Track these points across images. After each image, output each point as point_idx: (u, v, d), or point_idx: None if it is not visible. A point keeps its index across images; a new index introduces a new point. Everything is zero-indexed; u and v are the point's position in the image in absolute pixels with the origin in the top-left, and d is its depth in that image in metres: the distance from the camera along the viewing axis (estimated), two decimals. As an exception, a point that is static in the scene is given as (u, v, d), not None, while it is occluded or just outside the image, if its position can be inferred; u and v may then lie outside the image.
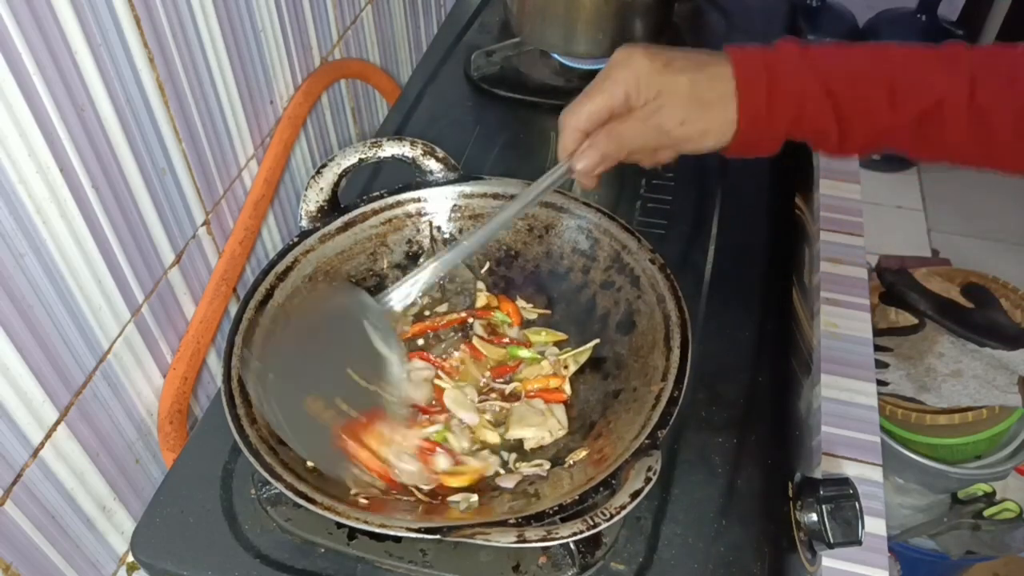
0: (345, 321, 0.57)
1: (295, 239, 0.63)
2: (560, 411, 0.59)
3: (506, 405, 0.60)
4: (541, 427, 0.57)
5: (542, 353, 0.62)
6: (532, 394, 0.60)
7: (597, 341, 0.62)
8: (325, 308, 0.60)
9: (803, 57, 0.53)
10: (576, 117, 0.55)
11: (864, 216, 0.96)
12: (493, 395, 0.60)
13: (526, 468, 0.56)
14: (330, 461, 0.52)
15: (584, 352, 0.62)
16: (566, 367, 0.62)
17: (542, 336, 0.64)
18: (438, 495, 0.54)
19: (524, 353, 0.62)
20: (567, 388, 0.61)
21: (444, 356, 0.63)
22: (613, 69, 0.54)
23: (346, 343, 0.57)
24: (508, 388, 0.61)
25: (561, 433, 0.58)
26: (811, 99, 0.53)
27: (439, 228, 0.68)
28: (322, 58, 0.87)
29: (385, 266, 0.67)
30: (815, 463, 0.72)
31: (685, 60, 0.54)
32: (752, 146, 0.56)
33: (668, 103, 0.53)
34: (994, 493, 1.24)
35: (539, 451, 0.57)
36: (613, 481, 0.48)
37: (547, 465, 0.55)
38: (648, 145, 0.55)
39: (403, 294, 0.58)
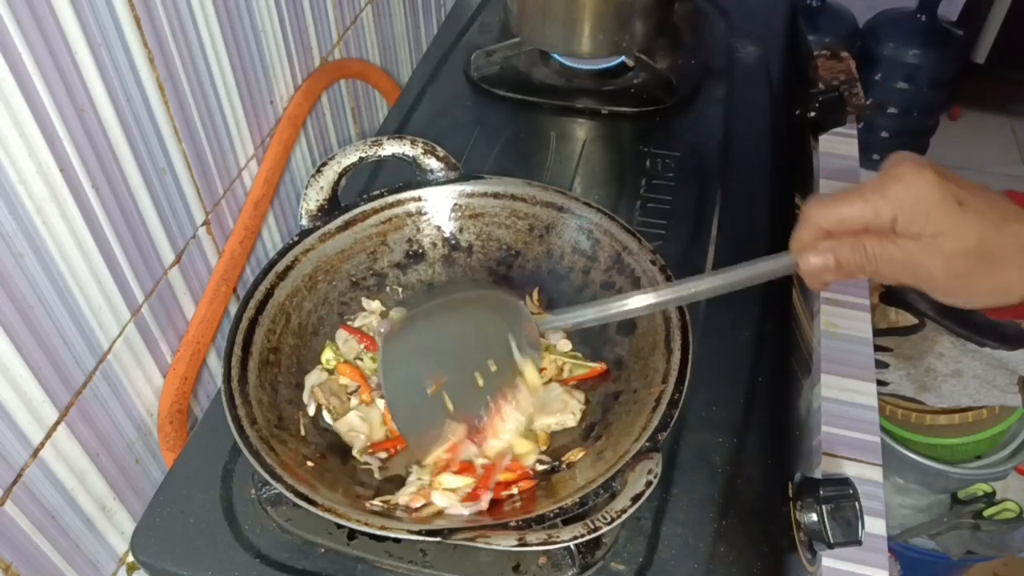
0: (489, 323, 0.60)
1: (295, 238, 0.63)
2: (579, 397, 0.59)
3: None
4: (563, 411, 0.58)
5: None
6: (564, 381, 0.60)
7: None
8: (474, 304, 0.63)
9: None
10: (823, 213, 0.47)
11: (864, 216, 0.96)
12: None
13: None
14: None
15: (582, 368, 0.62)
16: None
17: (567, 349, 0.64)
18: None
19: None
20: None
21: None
22: (890, 183, 0.45)
23: (481, 344, 0.59)
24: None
25: (576, 419, 0.58)
26: None
27: (439, 227, 0.68)
28: (322, 58, 0.87)
29: (385, 265, 0.67)
30: (815, 463, 0.72)
31: (984, 203, 0.44)
32: None
33: (949, 250, 0.44)
34: (994, 493, 1.24)
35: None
36: (613, 484, 0.48)
37: (549, 460, 0.55)
38: (898, 279, 0.47)
39: (563, 319, 0.59)
